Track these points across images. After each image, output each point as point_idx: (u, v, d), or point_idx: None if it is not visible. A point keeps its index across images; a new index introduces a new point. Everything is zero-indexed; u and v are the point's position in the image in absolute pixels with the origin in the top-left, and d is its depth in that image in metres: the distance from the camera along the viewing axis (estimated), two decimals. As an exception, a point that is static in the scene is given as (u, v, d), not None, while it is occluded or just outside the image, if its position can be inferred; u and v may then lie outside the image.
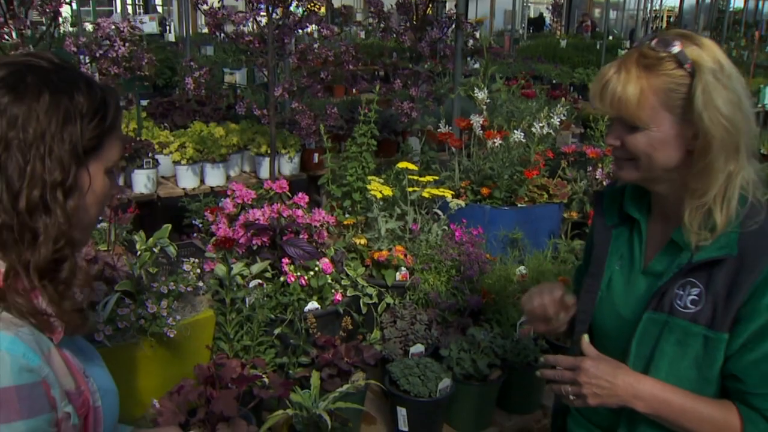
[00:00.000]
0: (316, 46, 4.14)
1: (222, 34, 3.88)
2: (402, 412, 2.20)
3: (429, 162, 3.82)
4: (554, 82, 9.53)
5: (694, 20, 19.17)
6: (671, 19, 22.93)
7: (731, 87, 1.33)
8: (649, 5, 20.60)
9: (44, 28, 3.84)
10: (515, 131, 3.08)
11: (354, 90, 6.69)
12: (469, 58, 5.42)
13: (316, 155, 5.48)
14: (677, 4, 20.05)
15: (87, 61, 3.55)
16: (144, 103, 6.76)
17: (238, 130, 5.65)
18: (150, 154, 4.93)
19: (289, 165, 5.47)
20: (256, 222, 2.41)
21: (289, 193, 2.70)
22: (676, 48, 1.33)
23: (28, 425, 1.05)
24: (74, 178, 1.12)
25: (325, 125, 4.48)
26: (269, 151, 4.85)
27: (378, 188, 2.63)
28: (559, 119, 3.17)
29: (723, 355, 1.37)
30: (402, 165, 2.72)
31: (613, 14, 22.10)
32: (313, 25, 4.32)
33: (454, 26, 4.68)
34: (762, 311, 1.32)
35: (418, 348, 2.40)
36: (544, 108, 3.25)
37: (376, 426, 2.33)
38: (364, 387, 2.19)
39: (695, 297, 1.39)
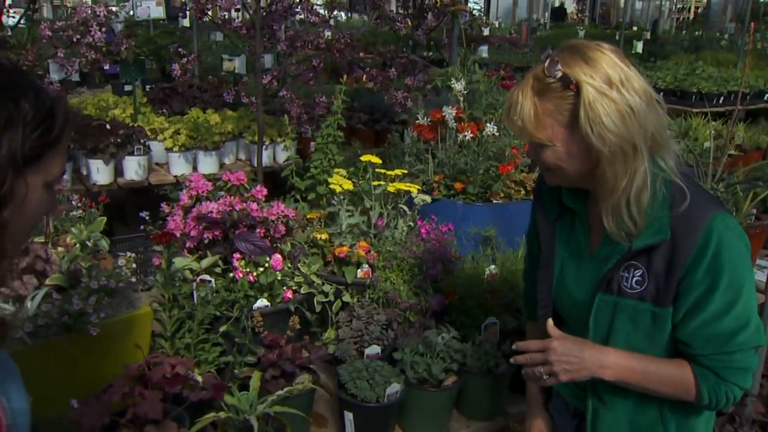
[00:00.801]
0: (302, 32, 4.02)
1: (206, 19, 3.78)
2: (349, 416, 2.11)
3: (418, 154, 3.70)
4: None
5: (722, 12, 18.76)
6: (699, 10, 22.46)
7: (621, 98, 1.42)
8: (675, -5, 20.22)
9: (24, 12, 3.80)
10: (488, 124, 2.95)
11: (364, 79, 6.62)
12: (475, 48, 5.27)
13: (312, 144, 5.40)
14: (705, -5, 19.64)
15: (65, 46, 3.48)
16: (148, 88, 6.73)
17: (234, 117, 5.59)
18: (142, 141, 4.87)
19: (285, 153, 5.39)
20: (209, 215, 2.33)
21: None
22: (559, 72, 1.43)
23: None
24: (9, 187, 1.05)
25: (314, 114, 4.40)
26: (264, 139, 4.79)
27: (339, 181, 2.53)
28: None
29: (670, 325, 1.55)
30: (366, 158, 2.61)
31: (638, 4, 21.70)
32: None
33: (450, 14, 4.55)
34: (696, 285, 1.49)
35: (373, 349, 2.30)
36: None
37: (327, 429, 2.25)
38: (309, 390, 2.10)
39: (639, 278, 1.55)
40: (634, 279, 1.55)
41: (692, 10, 22.83)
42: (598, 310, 1.60)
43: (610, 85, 1.42)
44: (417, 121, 3.18)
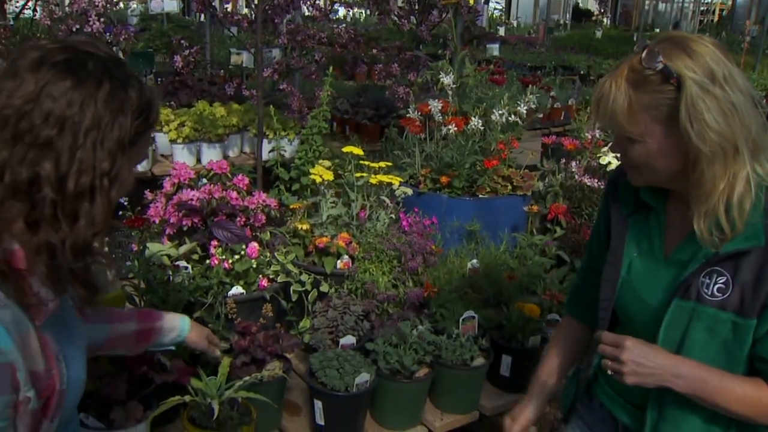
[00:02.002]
0: (303, 26, 4.04)
1: (208, 14, 3.81)
2: (318, 404, 2.12)
3: (407, 147, 3.70)
4: (582, 72, 9.29)
5: (747, 14, 18.54)
6: (723, 13, 22.19)
7: (724, 95, 1.34)
8: (700, -2, 20.00)
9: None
10: (474, 118, 2.95)
11: (375, 76, 6.62)
12: (477, 43, 5.26)
13: (313, 139, 5.43)
14: (730, -2, 19.42)
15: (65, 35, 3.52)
16: (159, 81, 6.79)
17: (240, 110, 5.60)
18: (146, 132, 4.91)
19: (289, 147, 5.41)
20: (189, 202, 2.35)
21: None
22: (660, 64, 1.35)
23: None
24: (118, 168, 1.17)
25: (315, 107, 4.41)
26: (267, 133, 4.81)
27: (320, 172, 2.54)
28: (527, 107, 3.03)
29: (751, 338, 1.44)
30: (348, 149, 2.62)
31: (662, 6, 21.50)
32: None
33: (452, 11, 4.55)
34: None
35: (348, 339, 2.31)
36: (504, 95, 3.10)
37: (299, 417, 2.26)
38: (280, 378, 2.12)
39: (722, 285, 1.45)
40: (716, 286, 1.46)
41: (716, 12, 22.58)
42: (673, 317, 1.51)
43: (713, 80, 1.34)
44: (407, 115, 3.19)
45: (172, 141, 5.15)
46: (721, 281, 1.45)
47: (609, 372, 1.50)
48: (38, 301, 1.17)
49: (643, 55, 1.36)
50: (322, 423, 2.13)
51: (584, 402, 1.82)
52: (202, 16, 10.97)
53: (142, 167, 4.95)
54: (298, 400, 2.33)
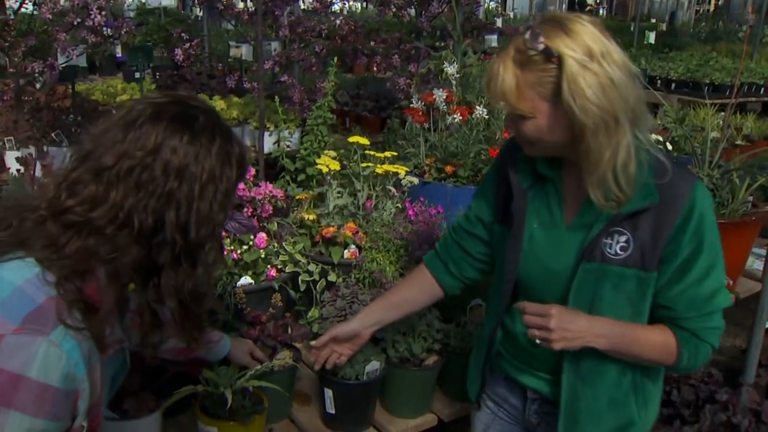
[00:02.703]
0: (304, 18, 4.04)
1: (205, 8, 3.81)
2: (329, 393, 2.13)
3: (411, 138, 3.70)
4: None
5: (743, 4, 18.52)
6: (719, 2, 22.18)
7: (602, 71, 1.42)
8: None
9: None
10: (478, 107, 2.95)
11: (375, 68, 6.61)
12: (477, 34, 5.26)
13: (314, 131, 5.43)
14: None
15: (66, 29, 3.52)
16: (158, 75, 6.79)
17: (240, 103, 5.61)
18: (146, 126, 4.92)
19: (289, 139, 5.41)
20: (196, 193, 2.35)
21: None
22: (541, 45, 1.43)
23: (45, 425, 1.12)
24: (226, 217, 1.29)
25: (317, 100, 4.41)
26: (268, 125, 4.81)
27: (326, 162, 2.54)
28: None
29: (653, 290, 1.60)
30: (353, 139, 2.63)
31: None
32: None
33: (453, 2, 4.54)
34: (683, 249, 1.54)
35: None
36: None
37: (309, 407, 2.27)
38: (290, 367, 2.12)
39: (624, 244, 1.57)
40: (619, 245, 1.57)
41: (712, 2, 22.57)
42: (581, 280, 1.61)
43: (591, 57, 1.42)
44: (411, 105, 3.19)
45: (173, 135, 5.16)
46: (622, 240, 1.57)
47: (537, 341, 1.59)
48: (111, 341, 1.24)
49: (526, 36, 1.46)
50: (333, 411, 2.13)
51: (488, 379, 1.94)
52: (199, 10, 10.97)
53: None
54: (307, 389, 2.34)
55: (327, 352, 1.99)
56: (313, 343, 2.03)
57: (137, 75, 6.73)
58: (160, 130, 1.18)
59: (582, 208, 1.63)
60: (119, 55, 7.82)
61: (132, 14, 8.11)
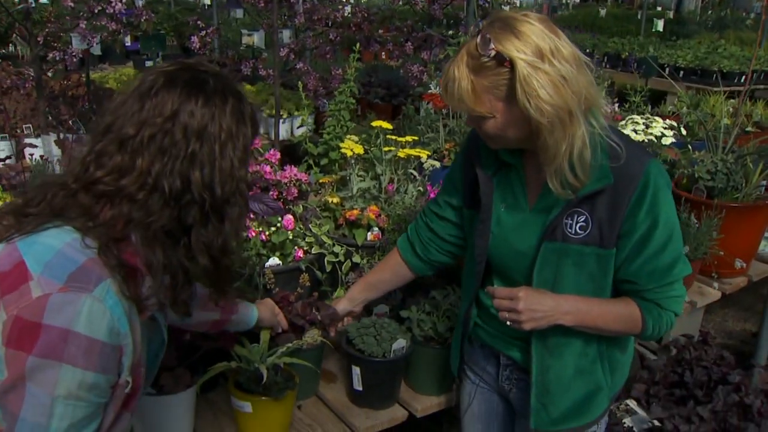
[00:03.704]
0: (319, 5, 4.07)
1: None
2: (356, 371, 2.18)
3: (430, 123, 3.74)
4: (587, 51, 9.29)
5: (749, -9, 18.40)
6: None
7: (553, 70, 1.48)
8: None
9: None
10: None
11: (384, 55, 6.62)
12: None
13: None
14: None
15: (87, 17, 3.56)
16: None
17: (253, 91, 5.65)
18: (162, 114, 4.97)
19: (302, 127, 5.46)
20: (223, 177, 2.40)
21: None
22: (492, 51, 1.48)
23: (96, 378, 1.18)
24: (248, 173, 1.34)
25: (331, 88, 4.45)
26: (281, 113, 4.85)
27: (350, 146, 2.59)
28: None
29: (613, 266, 1.68)
30: (377, 123, 2.67)
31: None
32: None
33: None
34: (640, 224, 1.62)
35: (382, 308, 2.37)
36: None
37: (336, 384, 2.33)
38: (319, 345, 2.17)
39: (583, 224, 1.65)
40: (578, 225, 1.65)
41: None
42: (544, 258, 1.70)
43: (542, 57, 1.48)
44: (429, 91, 3.23)
45: (187, 122, 5.20)
46: (581, 220, 1.65)
47: (508, 323, 1.69)
48: (150, 302, 1.29)
49: (477, 41, 1.51)
50: (360, 389, 2.19)
51: (467, 348, 2.06)
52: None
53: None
54: (332, 368, 2.39)
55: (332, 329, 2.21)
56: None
57: (148, 63, 6.78)
58: (175, 96, 1.23)
59: (543, 192, 1.71)
60: (128, 43, 7.86)
61: (141, 3, 8.12)
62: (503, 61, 1.48)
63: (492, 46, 1.49)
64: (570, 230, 1.66)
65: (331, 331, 2.19)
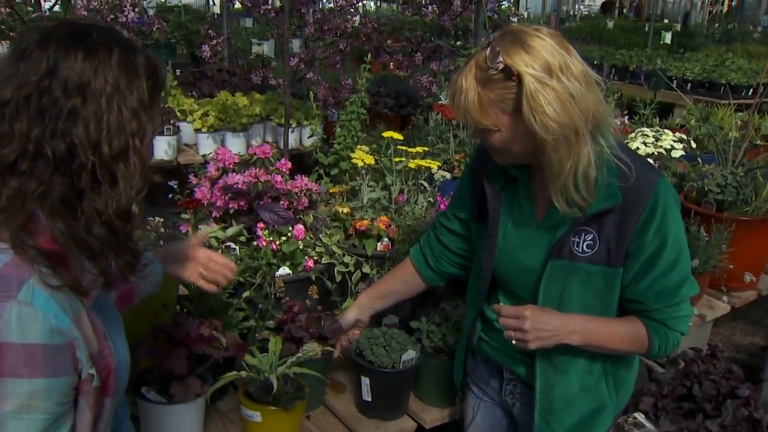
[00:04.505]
0: (330, 15, 4.09)
1: (237, 3, 3.87)
2: (365, 381, 2.18)
3: (440, 134, 3.75)
4: (595, 63, 9.30)
5: (757, 4, 18.47)
6: (733, 3, 22.10)
7: (561, 87, 1.46)
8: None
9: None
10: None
11: (391, 66, 6.65)
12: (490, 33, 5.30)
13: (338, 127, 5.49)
14: (740, -13, 19.32)
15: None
16: (178, 72, 6.86)
17: (262, 100, 5.68)
18: (171, 121, 4.99)
19: (322, 135, 5.47)
20: (235, 186, 2.41)
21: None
22: (500, 64, 1.48)
23: (48, 384, 1.12)
24: (144, 127, 1.20)
25: (340, 97, 4.47)
26: (290, 122, 4.88)
27: (361, 156, 2.60)
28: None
29: (620, 285, 1.68)
30: (388, 134, 2.68)
31: (671, -4, 21.45)
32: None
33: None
34: (648, 244, 1.62)
35: (391, 319, 2.38)
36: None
37: (344, 395, 2.32)
38: (325, 355, 2.17)
39: (590, 242, 1.64)
40: (585, 243, 1.65)
41: (726, 2, 22.49)
42: (551, 276, 1.69)
43: (551, 73, 1.47)
44: (440, 102, 3.24)
45: (197, 130, 5.22)
46: (589, 239, 1.64)
47: (513, 342, 1.67)
48: (89, 283, 1.21)
49: (487, 54, 1.50)
50: (370, 399, 2.18)
51: (470, 362, 2.05)
52: (217, 7, 11.05)
53: (168, 156, 5.03)
54: (341, 378, 2.39)
55: (343, 338, 2.19)
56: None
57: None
58: (51, 53, 1.12)
59: (550, 208, 1.69)
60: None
61: (151, 12, 8.18)
62: (511, 75, 1.48)
63: (501, 59, 1.48)
64: (577, 248, 1.66)
65: (337, 347, 2.16)
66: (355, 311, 2.18)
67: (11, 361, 1.08)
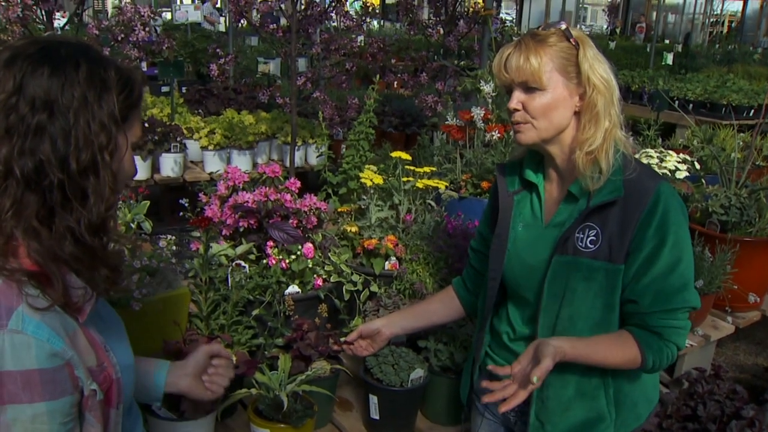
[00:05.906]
0: (337, 35, 4.14)
1: (245, 22, 3.92)
2: (374, 400, 2.19)
3: (446, 154, 3.78)
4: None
5: (757, 25, 18.58)
6: (732, 24, 22.25)
7: (604, 63, 1.64)
8: (709, 9, 20.06)
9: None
10: (515, 125, 3.03)
11: (395, 85, 6.69)
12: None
13: (344, 146, 5.52)
14: (740, 9, 19.47)
15: (109, 44, 3.63)
16: (184, 90, 6.92)
17: (268, 118, 5.73)
18: (178, 139, 5.03)
19: (316, 155, 5.52)
20: (245, 204, 2.44)
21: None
22: (563, 25, 1.64)
23: (50, 407, 1.13)
24: (115, 141, 1.20)
25: (346, 117, 4.51)
26: (296, 140, 4.92)
27: (370, 176, 2.63)
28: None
29: (621, 283, 1.67)
30: (396, 154, 2.71)
31: (671, 17, 21.58)
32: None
33: (480, 21, 4.64)
34: (648, 242, 1.62)
35: (399, 338, 2.39)
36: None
37: (351, 413, 2.34)
38: (334, 373, 2.19)
39: (593, 237, 1.67)
40: (589, 239, 1.67)
41: (726, 24, 22.64)
42: (554, 272, 1.71)
43: (598, 50, 1.66)
44: (446, 122, 3.28)
45: (203, 148, 5.27)
46: (592, 234, 1.66)
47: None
48: (76, 303, 1.20)
49: (542, 26, 1.66)
50: (377, 417, 2.20)
51: (476, 377, 2.01)
52: (223, 26, 11.13)
53: (174, 173, 5.07)
54: (348, 395, 2.40)
55: (356, 346, 2.14)
56: (342, 339, 2.16)
57: (163, 89, 6.88)
58: (17, 71, 1.12)
59: (559, 209, 1.75)
60: (145, 69, 7.97)
61: (158, 30, 8.26)
62: (569, 38, 1.62)
63: (562, 23, 1.65)
64: (581, 244, 1.68)
65: (347, 346, 2.14)
66: (381, 321, 2.13)
67: (11, 388, 1.10)
